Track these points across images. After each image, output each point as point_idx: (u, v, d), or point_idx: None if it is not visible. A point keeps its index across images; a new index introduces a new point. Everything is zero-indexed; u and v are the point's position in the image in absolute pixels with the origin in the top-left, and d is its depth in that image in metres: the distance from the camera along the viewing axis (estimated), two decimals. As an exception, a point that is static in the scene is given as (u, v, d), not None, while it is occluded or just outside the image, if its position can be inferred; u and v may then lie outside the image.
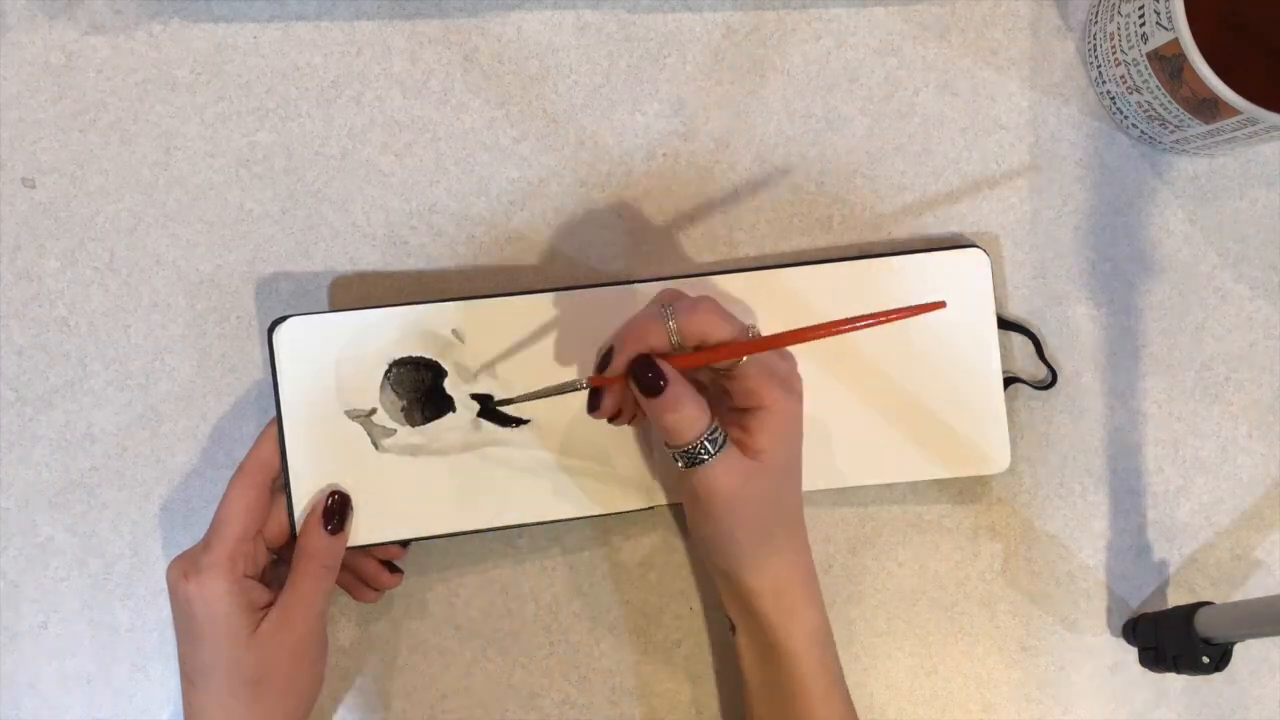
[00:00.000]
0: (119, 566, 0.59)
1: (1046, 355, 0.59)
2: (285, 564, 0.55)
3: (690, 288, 0.57)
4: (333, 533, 0.54)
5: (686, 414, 0.48)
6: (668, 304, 0.49)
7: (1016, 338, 0.60)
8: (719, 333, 0.48)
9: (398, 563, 0.59)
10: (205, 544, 0.52)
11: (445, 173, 0.60)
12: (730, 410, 0.51)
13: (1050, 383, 0.59)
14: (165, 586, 0.54)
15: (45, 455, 0.59)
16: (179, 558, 0.53)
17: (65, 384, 0.59)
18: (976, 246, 0.58)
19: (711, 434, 0.49)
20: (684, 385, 0.48)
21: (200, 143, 0.59)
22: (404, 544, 0.58)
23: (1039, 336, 0.59)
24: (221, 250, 0.59)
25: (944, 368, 0.57)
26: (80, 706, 0.59)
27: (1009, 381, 0.59)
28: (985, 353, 0.57)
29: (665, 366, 0.48)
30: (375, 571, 0.57)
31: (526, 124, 0.60)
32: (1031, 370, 0.60)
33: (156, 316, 0.59)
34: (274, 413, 0.55)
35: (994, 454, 0.57)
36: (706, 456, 0.49)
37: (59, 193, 0.59)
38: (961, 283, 0.57)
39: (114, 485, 0.59)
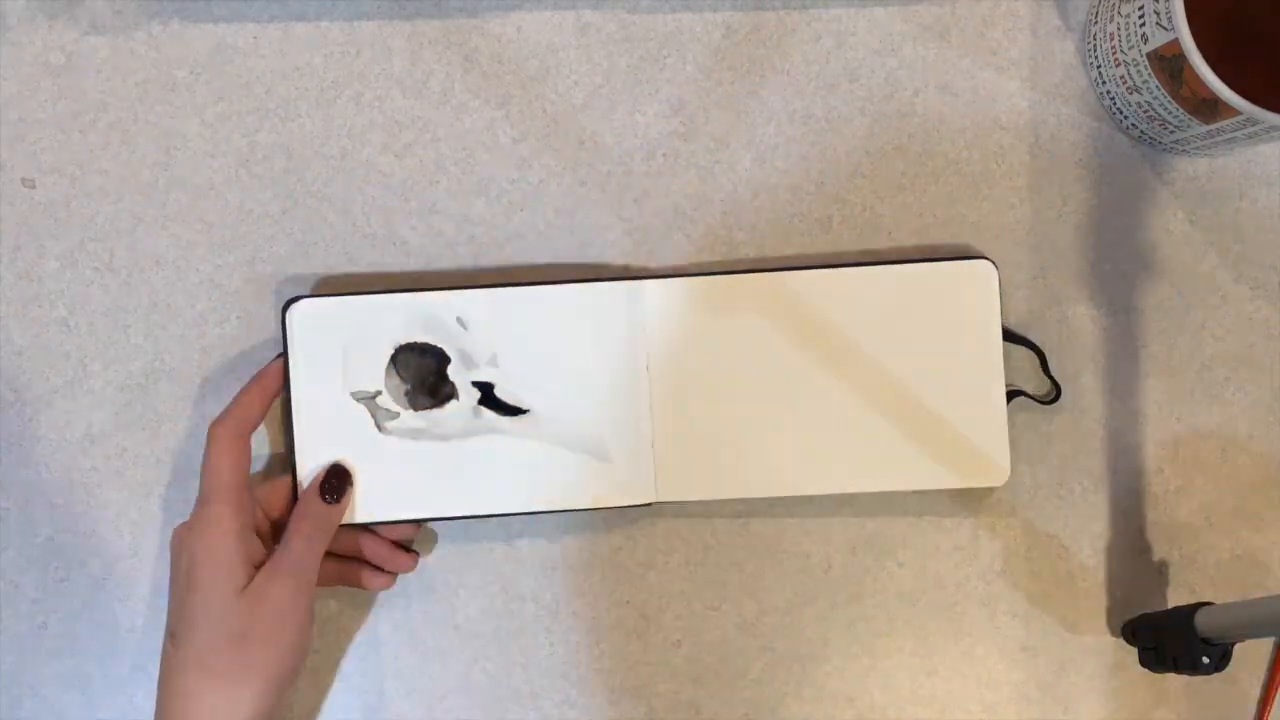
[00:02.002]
0: (119, 566, 0.59)
1: (1051, 370, 0.59)
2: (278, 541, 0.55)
3: (696, 288, 0.57)
4: (329, 503, 0.55)
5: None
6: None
7: (1018, 349, 0.59)
8: None
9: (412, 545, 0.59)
10: (203, 498, 0.53)
11: (445, 173, 0.60)
12: None
13: (1054, 397, 0.59)
14: (165, 587, 0.54)
15: (45, 455, 0.59)
16: (182, 524, 0.54)
17: (65, 384, 0.59)
18: (985, 258, 0.58)
19: None
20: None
21: (200, 143, 0.59)
22: (418, 523, 0.58)
23: (1044, 351, 0.59)
24: (221, 250, 0.59)
25: (948, 379, 0.57)
26: (80, 706, 0.59)
27: (1012, 395, 0.58)
28: (989, 366, 0.57)
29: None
30: (390, 553, 0.58)
31: (526, 124, 0.60)
32: (1034, 383, 0.60)
33: (156, 317, 0.59)
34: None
35: (994, 467, 0.57)
36: None
37: (59, 193, 0.59)
38: (967, 294, 0.57)
39: (114, 485, 0.59)
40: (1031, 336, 0.59)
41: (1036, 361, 0.59)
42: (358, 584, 0.58)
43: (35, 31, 0.59)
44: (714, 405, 0.57)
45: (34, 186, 0.59)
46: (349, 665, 0.59)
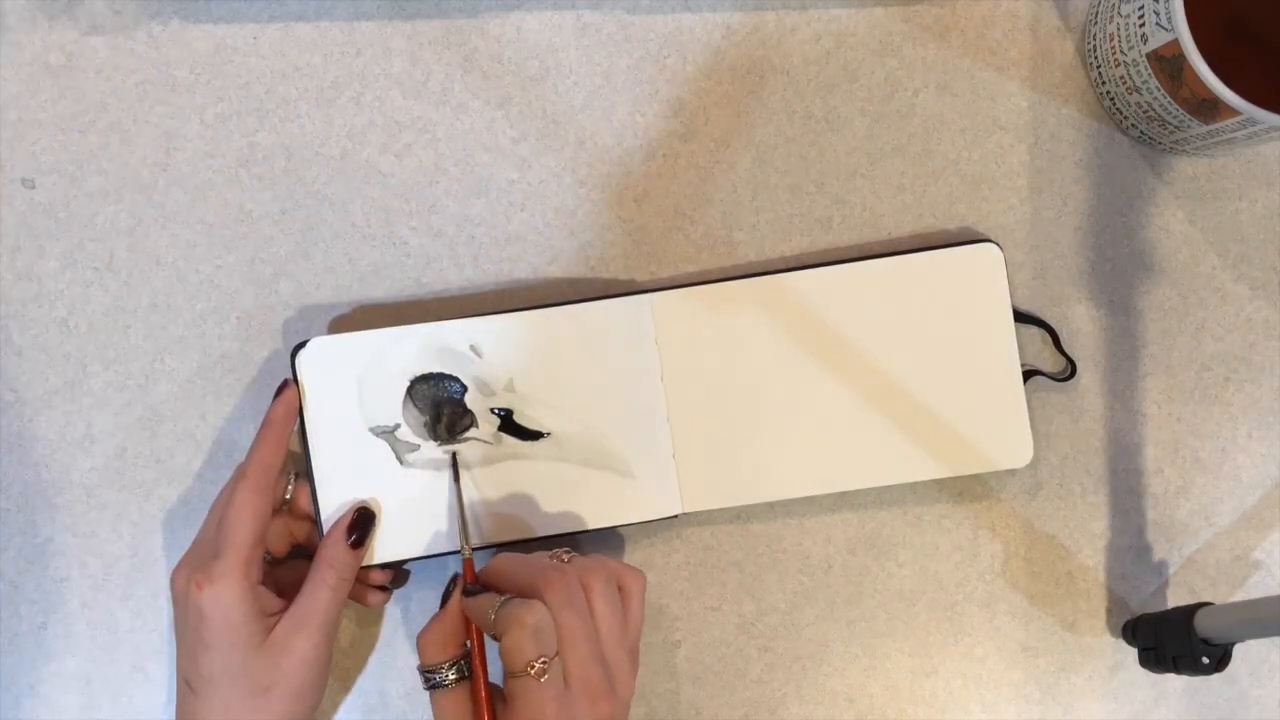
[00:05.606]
0: (119, 567, 0.59)
1: (1064, 346, 0.59)
2: (284, 570, 0.55)
3: (704, 296, 0.57)
4: (353, 546, 0.54)
5: (424, 639, 0.52)
6: (510, 599, 0.50)
7: (1029, 331, 0.59)
8: (509, 648, 0.48)
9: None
10: (216, 551, 0.52)
11: (445, 173, 0.60)
12: None
13: (1070, 374, 0.59)
14: (165, 587, 0.54)
15: (45, 455, 0.59)
16: (185, 565, 0.53)
17: (65, 385, 0.59)
18: (989, 241, 0.58)
19: (437, 669, 0.51)
20: (448, 620, 0.52)
21: (200, 143, 0.59)
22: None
23: (1055, 328, 0.59)
24: (221, 250, 0.59)
25: (963, 364, 0.57)
26: (80, 707, 0.59)
27: (1029, 375, 0.59)
28: (1003, 347, 0.57)
29: (455, 599, 0.53)
30: (358, 588, 0.57)
31: (526, 124, 0.60)
32: (1046, 363, 0.60)
33: (156, 317, 0.59)
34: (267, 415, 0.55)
35: (1017, 448, 0.57)
36: (425, 685, 0.52)
37: (59, 193, 0.59)
38: (975, 278, 0.57)
39: (114, 485, 0.59)
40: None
41: (1048, 340, 0.59)
42: (358, 600, 0.58)
43: (35, 31, 0.59)
44: (732, 412, 0.57)
45: (34, 186, 0.59)
46: (349, 665, 0.59)
